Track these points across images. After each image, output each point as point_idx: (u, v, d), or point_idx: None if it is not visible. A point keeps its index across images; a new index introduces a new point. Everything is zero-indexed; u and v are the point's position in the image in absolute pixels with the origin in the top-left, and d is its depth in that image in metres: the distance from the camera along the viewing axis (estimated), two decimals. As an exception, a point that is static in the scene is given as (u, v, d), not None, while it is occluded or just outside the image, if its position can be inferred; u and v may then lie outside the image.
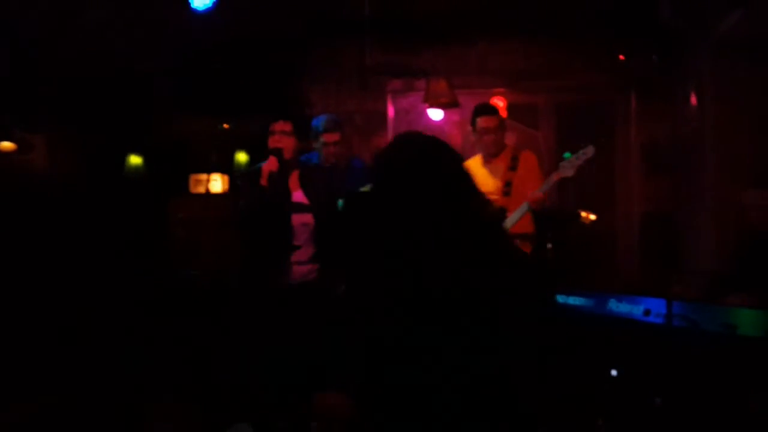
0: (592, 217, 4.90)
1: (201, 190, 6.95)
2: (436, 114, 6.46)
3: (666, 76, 5.95)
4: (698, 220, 5.59)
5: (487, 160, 4.76)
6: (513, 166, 4.64)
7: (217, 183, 6.65)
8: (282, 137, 4.19)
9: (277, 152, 4.13)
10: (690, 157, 5.76)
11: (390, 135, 6.64)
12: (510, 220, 4.49)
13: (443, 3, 6.22)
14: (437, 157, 2.21)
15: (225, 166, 6.72)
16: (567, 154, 4.34)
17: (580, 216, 4.90)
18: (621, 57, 6.00)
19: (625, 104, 6.40)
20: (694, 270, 5.32)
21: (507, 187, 4.60)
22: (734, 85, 5.27)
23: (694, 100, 5.66)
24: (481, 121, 4.67)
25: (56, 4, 5.90)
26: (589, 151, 4.29)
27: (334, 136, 4.96)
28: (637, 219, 6.29)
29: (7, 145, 6.57)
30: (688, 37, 5.67)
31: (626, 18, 5.91)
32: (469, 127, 4.95)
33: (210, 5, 5.45)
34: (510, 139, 6.30)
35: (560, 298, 4.23)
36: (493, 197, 4.63)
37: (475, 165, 4.84)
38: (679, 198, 5.95)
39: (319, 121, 5.02)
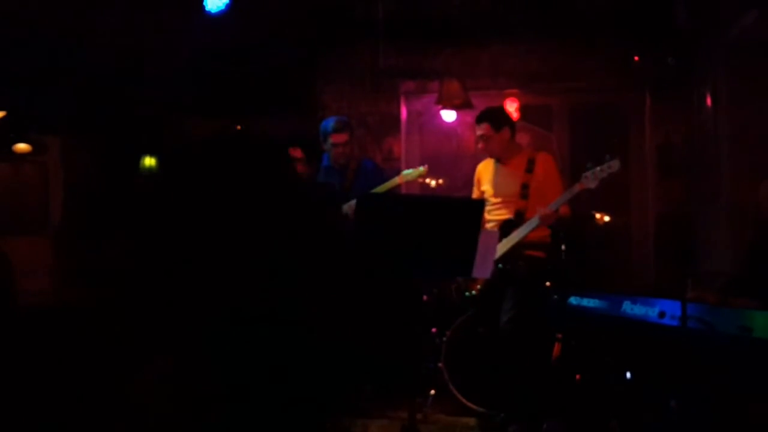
0: (607, 218, 4.90)
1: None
2: (449, 115, 6.48)
3: (681, 78, 5.93)
4: (713, 221, 5.57)
5: (504, 163, 4.75)
6: (530, 169, 4.63)
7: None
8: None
9: None
10: (705, 159, 5.75)
11: (403, 136, 6.66)
12: (519, 233, 4.49)
13: (456, 5, 6.24)
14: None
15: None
16: (590, 166, 4.33)
17: (594, 217, 4.90)
18: (635, 59, 5.99)
19: (639, 106, 6.39)
20: (709, 271, 5.31)
21: (524, 190, 4.59)
22: (749, 86, 5.25)
23: (709, 101, 5.65)
24: (476, 129, 4.72)
25: (72, 9, 5.95)
26: (615, 165, 4.28)
27: (342, 137, 5.03)
28: (651, 220, 6.28)
29: (23, 146, 6.66)
30: (703, 38, 5.66)
31: (641, 20, 5.90)
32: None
33: (224, 8, 5.50)
34: (523, 140, 6.30)
35: (574, 300, 4.22)
36: (510, 199, 4.64)
37: (489, 167, 4.84)
38: (694, 199, 5.94)
39: (329, 122, 5.08)
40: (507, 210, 4.61)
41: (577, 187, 4.36)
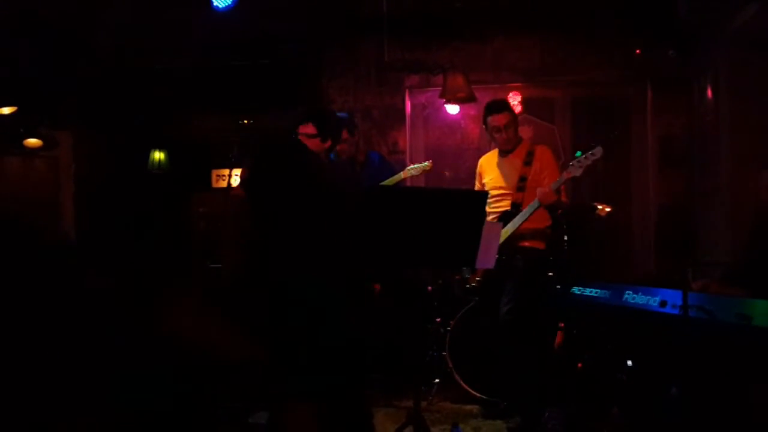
0: (608, 209, 4.95)
1: (222, 184, 7.07)
2: (452, 109, 6.53)
3: (682, 70, 5.97)
4: (714, 211, 5.62)
5: (503, 155, 4.81)
6: (528, 161, 4.69)
7: (238, 178, 6.76)
8: (305, 140, 4.29)
9: None
10: (705, 150, 5.79)
11: (407, 129, 6.72)
12: (521, 216, 4.55)
13: (459, 0, 6.30)
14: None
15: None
16: (578, 153, 4.40)
17: (596, 208, 4.95)
18: (637, 52, 6.03)
19: (641, 98, 6.43)
20: (710, 261, 5.36)
21: (521, 182, 4.65)
22: (750, 78, 5.28)
23: (709, 93, 5.69)
24: (491, 120, 4.70)
25: (81, 4, 6.02)
26: (598, 152, 4.34)
27: None
28: (652, 211, 6.32)
29: (34, 141, 6.73)
30: (704, 31, 5.69)
31: (643, 12, 5.94)
32: (487, 121, 5.00)
33: (231, 4, 5.55)
34: (526, 132, 6.36)
35: (577, 290, 4.29)
36: (508, 192, 4.70)
37: (491, 160, 4.89)
38: (695, 190, 5.98)
39: None
40: (505, 202, 4.68)
41: (564, 175, 4.44)
